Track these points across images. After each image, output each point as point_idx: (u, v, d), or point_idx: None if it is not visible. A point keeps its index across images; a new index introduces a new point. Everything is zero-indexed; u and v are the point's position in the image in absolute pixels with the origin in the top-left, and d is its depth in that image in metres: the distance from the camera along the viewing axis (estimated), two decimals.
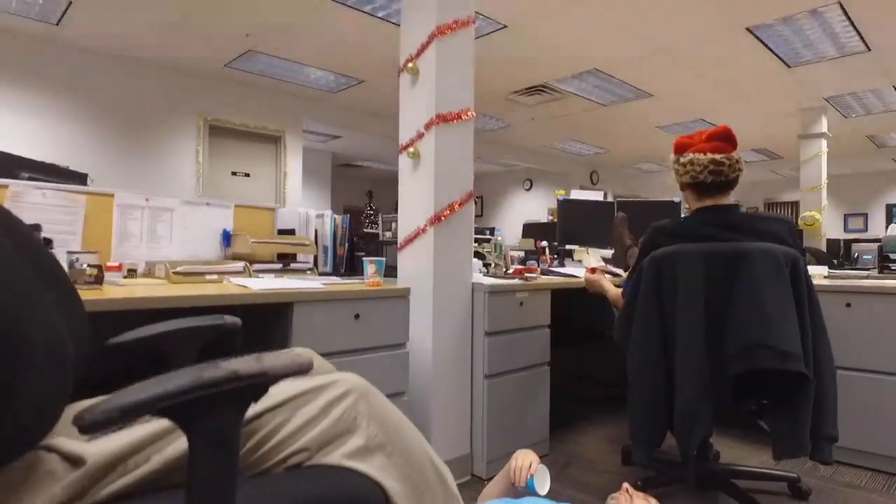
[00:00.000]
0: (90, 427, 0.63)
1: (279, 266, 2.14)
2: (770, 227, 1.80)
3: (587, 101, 6.10)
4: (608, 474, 2.27)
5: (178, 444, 0.77)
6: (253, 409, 0.83)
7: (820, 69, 4.98)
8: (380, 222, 2.72)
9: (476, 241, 2.78)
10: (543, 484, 1.60)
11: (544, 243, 3.51)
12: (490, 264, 2.73)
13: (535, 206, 9.94)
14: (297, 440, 0.86)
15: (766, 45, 4.52)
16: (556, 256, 3.44)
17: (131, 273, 1.91)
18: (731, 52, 4.66)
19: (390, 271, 2.21)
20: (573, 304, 2.70)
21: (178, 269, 1.93)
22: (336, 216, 2.75)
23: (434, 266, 2.11)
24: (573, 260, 3.40)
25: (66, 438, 0.76)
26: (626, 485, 1.57)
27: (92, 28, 4.29)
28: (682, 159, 1.89)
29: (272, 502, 0.78)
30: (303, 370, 0.71)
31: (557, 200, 3.43)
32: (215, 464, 0.68)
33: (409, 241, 2.20)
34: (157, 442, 0.77)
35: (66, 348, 0.76)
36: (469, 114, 2.21)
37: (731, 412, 1.88)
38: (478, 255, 2.82)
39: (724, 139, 1.85)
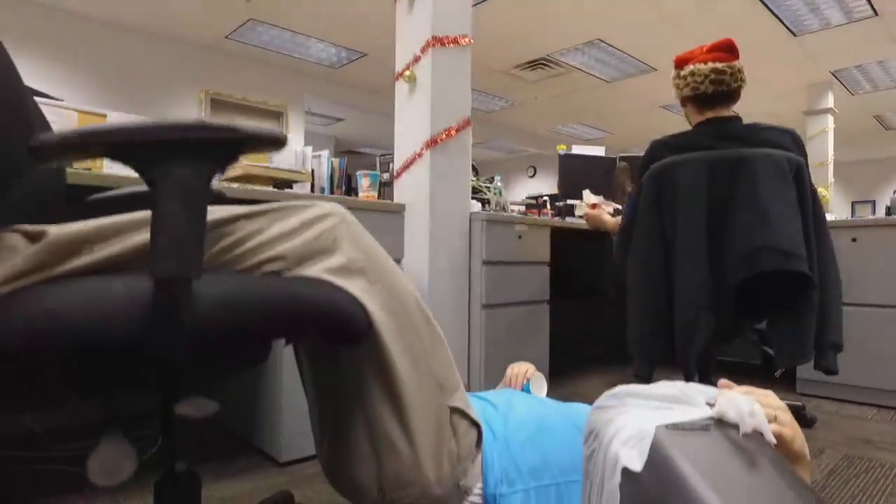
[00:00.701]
0: (42, 148, 0.60)
1: (274, 191, 2.11)
2: (774, 137, 1.76)
3: (590, 77, 6.07)
4: None
5: (146, 232, 0.74)
6: (225, 212, 0.81)
7: (826, 37, 4.93)
8: (377, 163, 2.69)
9: (474, 180, 2.74)
10: (540, 391, 1.56)
11: (546, 197, 3.47)
12: (489, 202, 2.69)
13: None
14: (273, 248, 0.82)
15: (772, 12, 4.48)
16: (557, 213, 3.40)
17: None
18: (738, 19, 4.62)
19: None
20: (573, 264, 2.67)
21: None
22: (334, 158, 2.73)
23: (431, 190, 2.07)
24: (574, 216, 3.36)
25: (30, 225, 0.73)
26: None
27: None
28: (682, 72, 1.86)
29: (250, 295, 0.75)
30: (278, 140, 0.68)
31: (559, 155, 3.39)
32: (177, 225, 0.64)
33: (406, 166, 2.17)
34: (125, 232, 0.74)
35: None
36: (466, 40, 2.18)
37: (739, 363, 1.83)
38: (475, 197, 2.79)
39: (726, 50, 1.81)
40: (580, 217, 2.74)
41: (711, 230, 1.66)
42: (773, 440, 0.75)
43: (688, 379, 1.71)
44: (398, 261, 1.86)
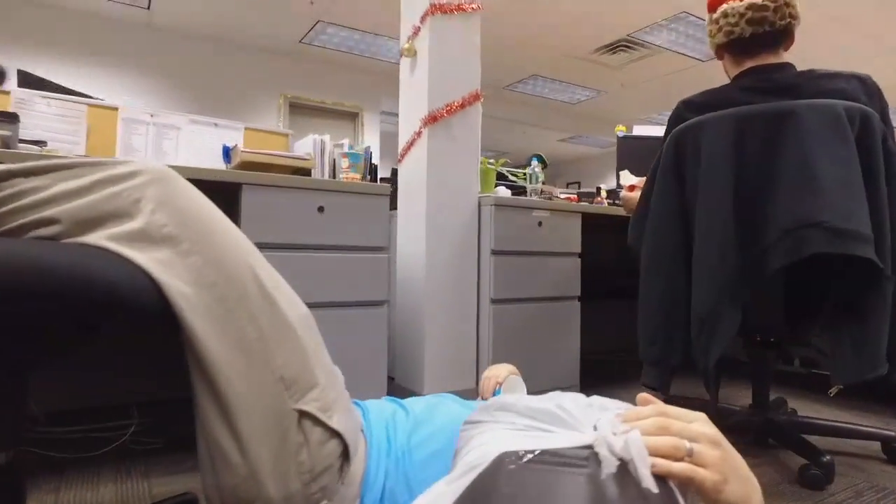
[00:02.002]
0: None
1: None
2: (836, 85, 1.36)
3: (680, 57, 5.49)
4: None
5: None
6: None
7: None
8: None
9: (506, 171, 2.50)
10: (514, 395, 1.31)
11: (602, 185, 3.12)
12: (524, 192, 2.43)
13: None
14: (46, 209, 0.70)
15: None
16: (613, 202, 3.04)
17: None
18: None
19: None
20: (614, 257, 2.34)
21: None
22: (359, 147, 2.63)
23: (427, 172, 1.89)
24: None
25: None
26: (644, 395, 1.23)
27: (178, 10, 4.61)
28: (714, 15, 1.51)
29: None
30: None
31: (617, 137, 3.03)
32: None
33: (407, 149, 2.00)
34: None
35: None
36: (474, 6, 1.97)
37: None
38: (506, 184, 2.55)
39: None
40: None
41: (741, 203, 1.31)
42: (652, 485, 0.50)
43: (708, 390, 1.37)
44: (379, 249, 1.69)
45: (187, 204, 0.78)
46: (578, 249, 2.15)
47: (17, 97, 1.88)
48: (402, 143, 2.03)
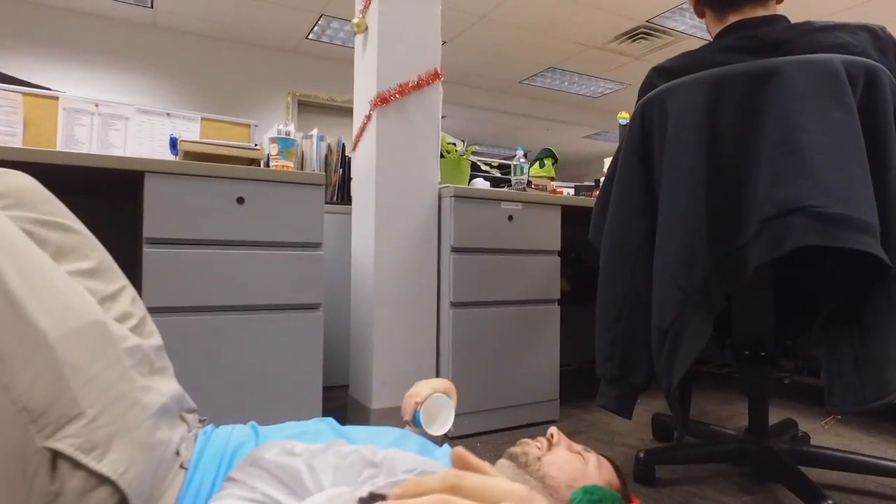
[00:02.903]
0: None
1: None
2: (840, 39, 1.09)
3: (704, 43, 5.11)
4: (631, 448, 1.64)
5: None
6: None
7: None
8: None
9: (478, 161, 2.28)
10: (435, 420, 1.10)
11: (599, 179, 2.86)
12: (509, 182, 2.21)
13: None
14: None
15: None
16: None
17: None
18: None
19: None
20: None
21: None
22: (330, 139, 2.45)
23: (377, 160, 1.68)
24: None
25: None
26: (553, 430, 0.99)
27: (182, 9, 4.55)
28: None
29: None
30: None
31: (619, 126, 2.77)
32: None
33: (359, 136, 1.81)
34: None
35: None
36: None
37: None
38: (485, 176, 2.33)
39: None
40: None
41: (714, 187, 1.07)
42: None
43: (673, 414, 1.12)
44: (313, 245, 1.50)
45: None
46: (557, 247, 1.91)
47: None
48: (354, 131, 1.83)
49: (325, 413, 1.94)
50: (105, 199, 1.83)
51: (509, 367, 1.81)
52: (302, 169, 2.39)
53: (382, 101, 1.68)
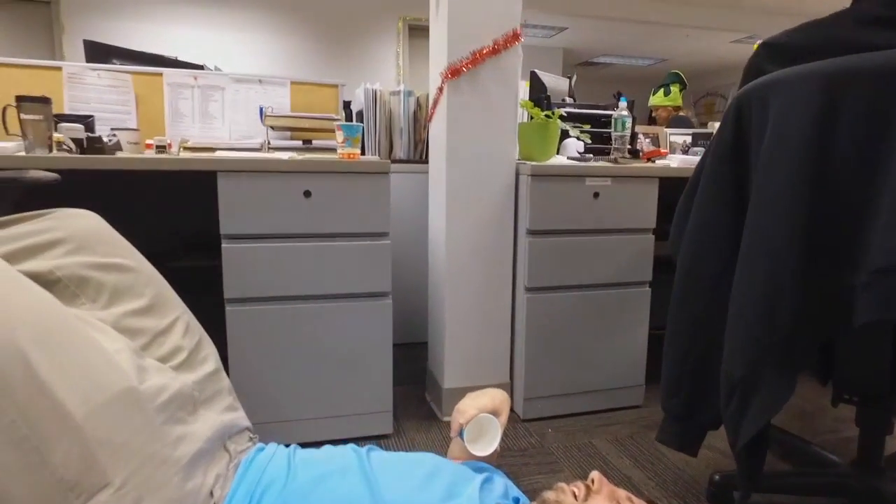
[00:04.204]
0: None
1: (298, 143, 1.91)
2: None
3: None
4: (717, 453, 1.52)
5: None
6: None
7: None
8: None
9: (568, 116, 2.06)
10: (479, 440, 1.10)
11: None
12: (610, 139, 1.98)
13: None
14: None
15: None
16: None
17: (161, 149, 1.92)
18: None
19: None
20: None
21: (188, 143, 1.87)
22: (419, 95, 2.36)
23: (447, 139, 1.59)
24: None
25: None
26: (595, 475, 0.94)
27: None
28: None
29: None
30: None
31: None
32: None
33: (433, 109, 1.71)
34: None
35: None
36: None
37: None
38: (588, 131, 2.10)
39: None
40: None
41: (818, 211, 0.86)
42: None
43: (739, 474, 1.00)
44: (378, 235, 1.49)
45: None
46: (652, 224, 1.72)
47: (68, 72, 1.95)
48: (431, 98, 1.73)
49: (406, 380, 2.03)
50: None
51: (590, 351, 1.73)
52: (390, 126, 2.35)
53: (454, 72, 1.55)
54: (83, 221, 0.96)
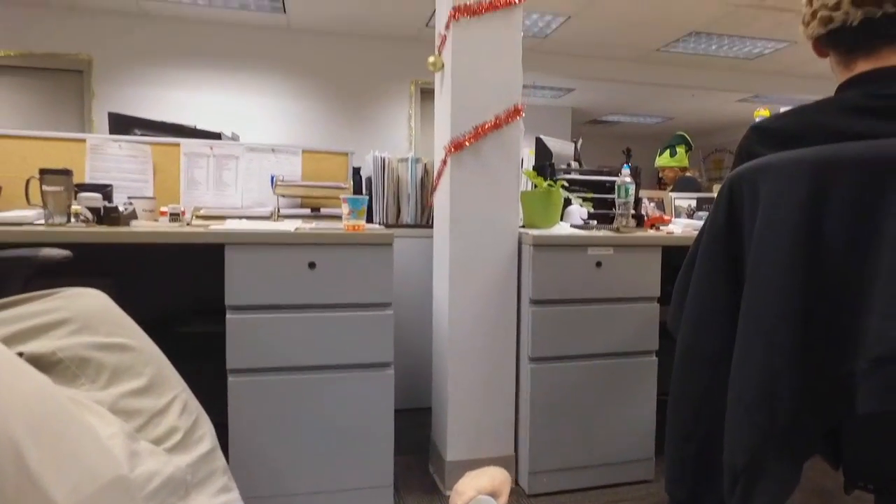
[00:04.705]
0: None
1: (307, 212, 1.96)
2: None
3: None
4: None
5: None
6: None
7: None
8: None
9: (570, 184, 2.10)
10: None
11: None
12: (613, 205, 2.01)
13: None
14: None
15: None
16: None
17: (175, 217, 1.98)
18: None
19: None
20: None
21: (201, 212, 1.93)
22: (426, 161, 2.43)
23: (451, 207, 1.62)
24: None
25: None
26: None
27: (312, 11, 4.77)
28: None
29: None
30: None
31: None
32: None
33: (437, 181, 1.75)
34: None
35: None
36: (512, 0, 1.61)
37: None
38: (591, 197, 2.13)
39: None
40: None
41: (812, 294, 0.86)
42: None
43: None
44: (381, 306, 1.50)
45: None
46: (657, 293, 1.71)
47: (91, 143, 2.05)
48: (436, 171, 1.78)
49: (410, 448, 1.99)
50: None
51: (597, 423, 1.69)
52: (398, 192, 2.40)
53: (457, 146, 1.60)
54: (89, 301, 0.99)
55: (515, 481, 1.72)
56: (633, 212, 2.23)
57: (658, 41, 5.45)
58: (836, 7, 0.93)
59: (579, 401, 1.67)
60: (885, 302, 0.78)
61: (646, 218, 2.38)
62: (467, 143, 1.60)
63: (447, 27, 1.63)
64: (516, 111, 1.65)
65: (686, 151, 3.92)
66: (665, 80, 6.30)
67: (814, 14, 0.99)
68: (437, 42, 1.72)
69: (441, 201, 1.72)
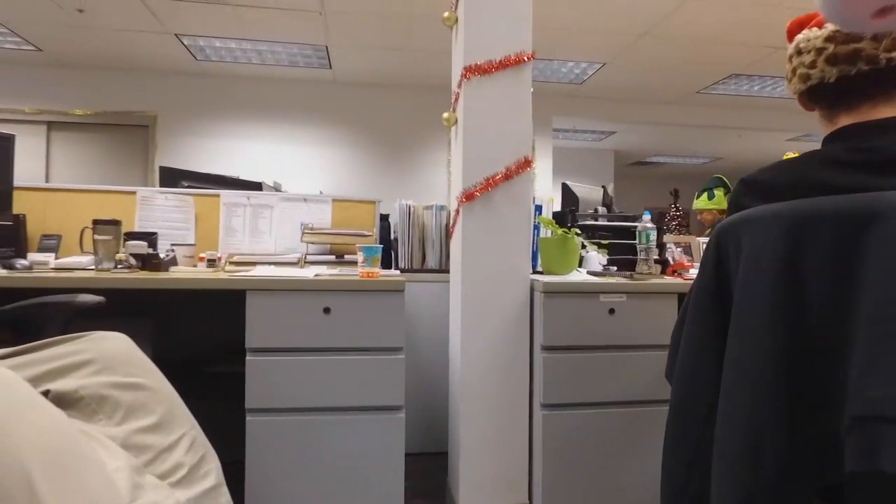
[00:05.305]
0: None
1: (332, 258, 2.06)
2: None
3: None
4: None
5: None
6: None
7: None
8: None
9: (593, 230, 2.12)
10: None
11: None
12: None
13: None
14: None
15: None
16: None
17: (211, 263, 2.11)
18: None
19: None
20: None
21: (234, 258, 2.06)
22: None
23: (462, 255, 1.68)
24: None
25: None
26: None
27: (355, 67, 5.06)
28: (788, 51, 1.04)
29: None
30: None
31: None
32: None
33: (452, 228, 1.82)
34: None
35: None
36: (522, 57, 1.70)
37: None
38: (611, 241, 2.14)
39: None
40: None
41: (795, 348, 0.86)
42: None
43: None
44: (393, 350, 1.56)
45: None
46: None
47: (141, 196, 2.24)
48: (453, 219, 1.85)
49: (428, 493, 1.99)
50: None
51: (612, 471, 1.66)
52: (423, 238, 2.48)
53: (468, 197, 1.67)
54: (113, 343, 1.09)
55: None
56: (657, 257, 2.23)
57: (697, 84, 5.44)
58: (812, 66, 0.96)
59: (594, 449, 1.65)
60: (862, 357, 0.77)
61: (672, 262, 2.36)
62: (478, 194, 1.67)
63: (459, 85, 1.72)
64: (527, 162, 1.70)
65: (724, 194, 3.85)
66: (708, 121, 6.25)
67: (794, 71, 1.02)
68: (452, 99, 1.81)
69: (455, 249, 1.78)
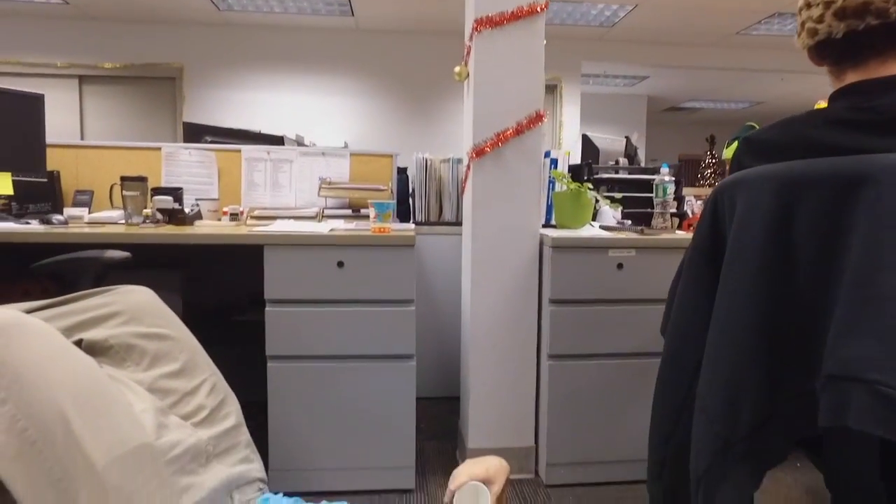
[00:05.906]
0: None
1: (349, 212, 2.11)
2: None
3: None
4: None
5: None
6: None
7: None
8: None
9: (610, 183, 2.10)
10: None
11: None
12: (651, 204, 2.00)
13: None
14: None
15: None
16: None
17: (234, 217, 2.19)
18: None
19: None
20: None
21: (255, 212, 2.13)
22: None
23: (472, 210, 1.70)
24: None
25: None
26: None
27: (378, 12, 4.95)
28: (798, 4, 1.00)
29: None
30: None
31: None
32: None
33: (464, 183, 1.83)
34: None
35: None
36: (535, 8, 1.66)
37: None
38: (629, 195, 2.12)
39: None
40: None
41: (779, 307, 0.89)
42: None
43: None
44: (404, 302, 1.62)
45: (17, 355, 0.87)
46: None
47: (166, 151, 2.31)
48: (463, 174, 1.87)
49: (441, 434, 2.10)
50: None
51: (615, 420, 1.72)
52: (440, 191, 2.50)
53: (478, 153, 1.68)
54: (137, 296, 1.18)
55: (535, 472, 1.79)
56: (674, 210, 2.21)
57: (737, 25, 5.15)
58: (820, 20, 0.92)
59: (598, 398, 1.71)
60: (841, 319, 0.78)
61: (690, 215, 2.33)
62: (488, 150, 1.67)
63: (471, 38, 1.70)
64: (538, 117, 1.69)
65: None
66: (748, 64, 5.94)
67: (802, 25, 0.98)
68: (465, 52, 1.79)
69: (466, 204, 1.81)
